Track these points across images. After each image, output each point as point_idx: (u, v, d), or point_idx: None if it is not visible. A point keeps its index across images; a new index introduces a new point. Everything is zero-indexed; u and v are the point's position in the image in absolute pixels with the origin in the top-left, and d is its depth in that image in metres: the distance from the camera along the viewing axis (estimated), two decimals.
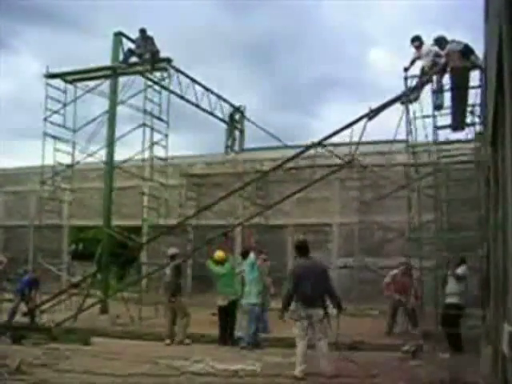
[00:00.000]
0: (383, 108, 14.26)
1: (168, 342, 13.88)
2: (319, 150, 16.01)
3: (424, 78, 14.02)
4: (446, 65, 13.69)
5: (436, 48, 14.14)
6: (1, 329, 14.22)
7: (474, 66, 13.01)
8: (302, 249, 10.72)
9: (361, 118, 13.96)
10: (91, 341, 13.55)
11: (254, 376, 10.09)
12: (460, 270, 13.26)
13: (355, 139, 14.06)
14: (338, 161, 15.82)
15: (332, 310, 10.47)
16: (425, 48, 14.35)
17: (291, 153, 17.44)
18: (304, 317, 9.94)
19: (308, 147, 14.34)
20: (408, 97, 13.99)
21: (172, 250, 15.29)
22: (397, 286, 15.01)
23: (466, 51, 13.16)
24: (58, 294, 17.07)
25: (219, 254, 14.32)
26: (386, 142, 19.16)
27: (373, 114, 14.04)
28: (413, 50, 14.57)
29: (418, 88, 14.09)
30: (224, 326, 13.89)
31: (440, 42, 13.88)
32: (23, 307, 16.37)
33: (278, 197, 19.78)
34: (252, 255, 14.04)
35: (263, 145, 25.59)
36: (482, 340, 11.12)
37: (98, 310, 18.13)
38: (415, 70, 14.52)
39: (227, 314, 13.88)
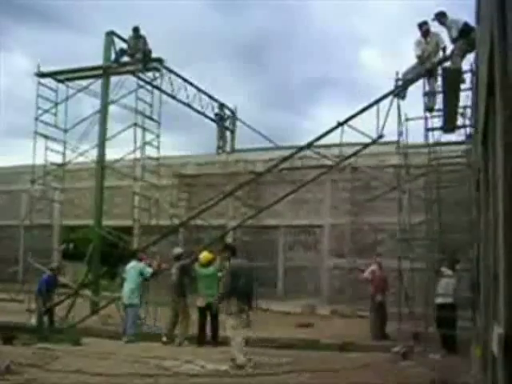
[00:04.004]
0: (409, 84, 14.18)
1: (165, 339, 13.92)
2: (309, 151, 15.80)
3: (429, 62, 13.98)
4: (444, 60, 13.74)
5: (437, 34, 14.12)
6: None
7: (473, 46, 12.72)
8: (233, 250, 12.03)
9: (387, 95, 13.86)
10: (82, 341, 13.53)
11: (245, 376, 10.11)
12: (450, 271, 13.37)
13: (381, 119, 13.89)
14: (329, 162, 15.82)
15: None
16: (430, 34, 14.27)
17: (283, 153, 17.44)
18: (240, 310, 11.06)
19: (334, 127, 14.07)
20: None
21: (177, 250, 15.28)
22: (377, 283, 15.01)
23: (465, 30, 13.02)
24: (67, 296, 16.92)
25: (205, 255, 14.33)
26: (378, 143, 19.19)
27: (398, 90, 13.97)
28: (418, 38, 14.37)
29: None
30: (202, 327, 13.95)
31: (439, 17, 13.73)
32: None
33: (270, 198, 19.78)
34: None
35: (255, 145, 25.60)
36: (472, 341, 11.15)
37: (89, 310, 18.07)
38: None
39: (206, 315, 14.00)
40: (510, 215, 3.42)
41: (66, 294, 17.42)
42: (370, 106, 13.78)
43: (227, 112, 26.39)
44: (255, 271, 12.34)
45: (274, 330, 15.61)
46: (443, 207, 15.89)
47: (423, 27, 14.19)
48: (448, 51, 13.86)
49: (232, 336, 11.06)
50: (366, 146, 14.57)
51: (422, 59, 14.11)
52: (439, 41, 14.08)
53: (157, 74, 20.01)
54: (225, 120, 26.15)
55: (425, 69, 14.07)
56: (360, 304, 17.88)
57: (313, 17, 67.81)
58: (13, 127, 65.90)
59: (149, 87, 19.81)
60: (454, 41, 13.36)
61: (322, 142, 14.89)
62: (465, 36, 12.97)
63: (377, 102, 13.76)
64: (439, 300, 13.24)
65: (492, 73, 4.48)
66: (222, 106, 25.70)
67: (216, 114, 25.55)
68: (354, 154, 15.40)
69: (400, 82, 14.16)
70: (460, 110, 14.32)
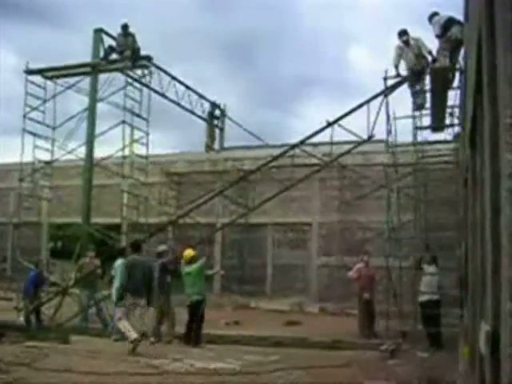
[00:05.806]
0: (398, 85, 14.21)
1: (153, 339, 13.82)
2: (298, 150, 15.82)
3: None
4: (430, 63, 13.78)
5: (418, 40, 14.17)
6: None
7: (459, 42, 12.73)
8: (136, 247, 12.96)
9: (377, 95, 13.88)
10: (71, 339, 13.46)
11: (234, 375, 10.10)
12: (432, 268, 13.46)
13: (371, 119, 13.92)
14: (317, 161, 15.83)
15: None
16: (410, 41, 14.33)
17: (271, 152, 17.44)
18: (131, 304, 11.96)
19: (324, 127, 14.07)
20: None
21: (160, 248, 15.14)
22: (364, 281, 15.04)
23: (448, 24, 13.06)
24: (56, 294, 16.84)
25: (188, 252, 14.20)
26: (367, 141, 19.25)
27: (388, 90, 13.99)
28: (398, 44, 14.39)
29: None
30: (189, 325, 13.83)
31: (432, 17, 13.79)
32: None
33: (258, 195, 19.80)
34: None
35: (244, 143, 25.60)
36: (459, 339, 11.20)
37: (77, 308, 17.98)
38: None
39: (194, 314, 13.81)
40: (496, 213, 3.44)
41: (54, 292, 17.35)
42: (360, 106, 13.82)
43: (216, 110, 26.36)
44: (152, 268, 12.99)
45: (263, 328, 15.62)
46: (431, 205, 15.95)
47: (403, 37, 14.23)
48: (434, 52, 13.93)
49: (117, 325, 12.23)
50: (357, 145, 14.59)
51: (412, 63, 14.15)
52: (421, 45, 14.12)
53: (145, 72, 20.00)
54: (214, 118, 26.13)
55: (415, 71, 14.12)
56: (348, 302, 17.94)
57: (301, 15, 67.92)
58: (0, 124, 65.52)
59: (137, 85, 19.80)
60: (438, 38, 13.47)
61: (311, 140, 14.92)
62: (445, 32, 13.06)
63: (367, 102, 13.79)
64: (424, 297, 13.30)
65: (480, 71, 4.50)
66: (213, 104, 25.68)
67: (209, 113, 25.54)
68: (345, 153, 15.40)
69: (388, 81, 14.18)
70: (448, 109, 14.39)
